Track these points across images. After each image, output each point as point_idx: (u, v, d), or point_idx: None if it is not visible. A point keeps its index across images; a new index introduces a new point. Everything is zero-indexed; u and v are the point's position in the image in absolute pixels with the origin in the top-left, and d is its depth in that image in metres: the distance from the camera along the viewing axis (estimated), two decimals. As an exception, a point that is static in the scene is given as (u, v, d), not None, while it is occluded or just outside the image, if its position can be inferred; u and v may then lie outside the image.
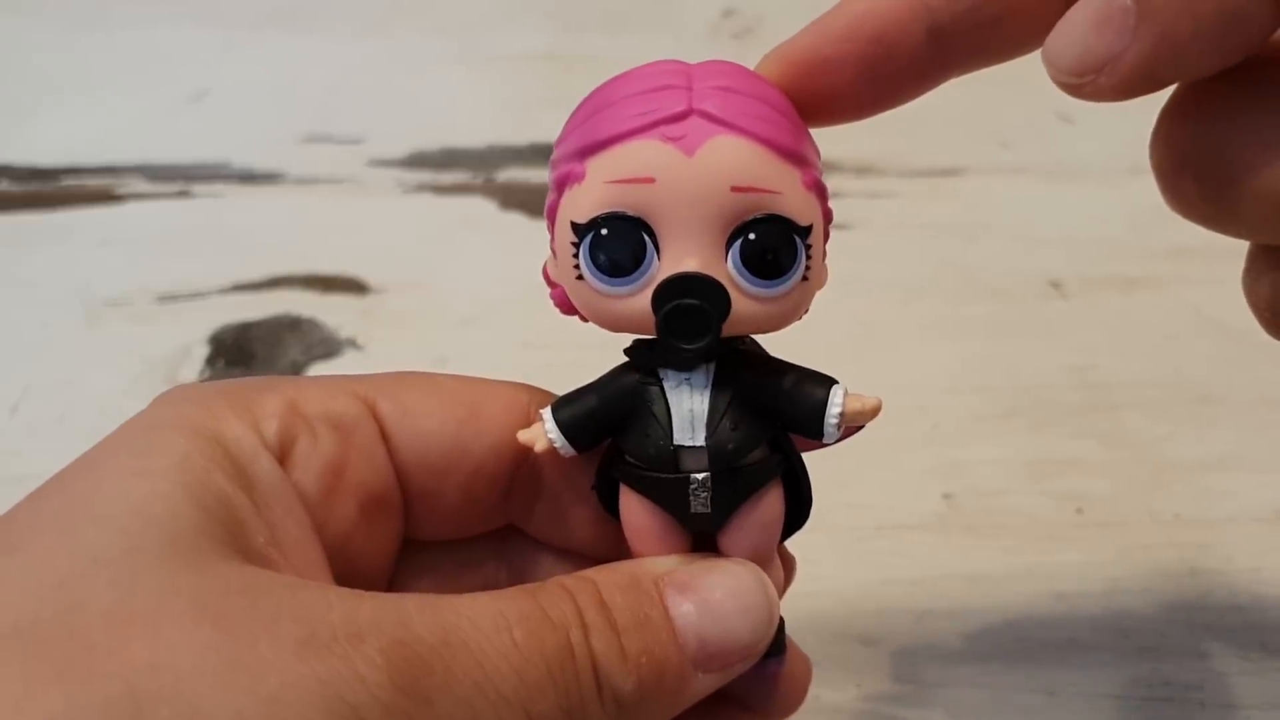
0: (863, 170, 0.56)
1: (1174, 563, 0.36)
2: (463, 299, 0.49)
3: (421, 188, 0.57)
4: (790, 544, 0.26)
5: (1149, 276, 0.50)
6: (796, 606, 0.25)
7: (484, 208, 0.55)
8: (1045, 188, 0.57)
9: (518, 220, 0.54)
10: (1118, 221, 0.54)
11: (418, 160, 0.59)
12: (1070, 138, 0.60)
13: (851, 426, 0.22)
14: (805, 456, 0.23)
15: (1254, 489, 0.39)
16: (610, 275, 0.21)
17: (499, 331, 0.46)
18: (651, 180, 0.20)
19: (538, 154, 0.58)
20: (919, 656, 0.33)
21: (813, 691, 0.27)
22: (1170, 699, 0.32)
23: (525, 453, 0.24)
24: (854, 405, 0.22)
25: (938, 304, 0.49)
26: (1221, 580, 0.35)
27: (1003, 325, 0.47)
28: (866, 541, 0.37)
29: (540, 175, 0.56)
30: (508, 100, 0.64)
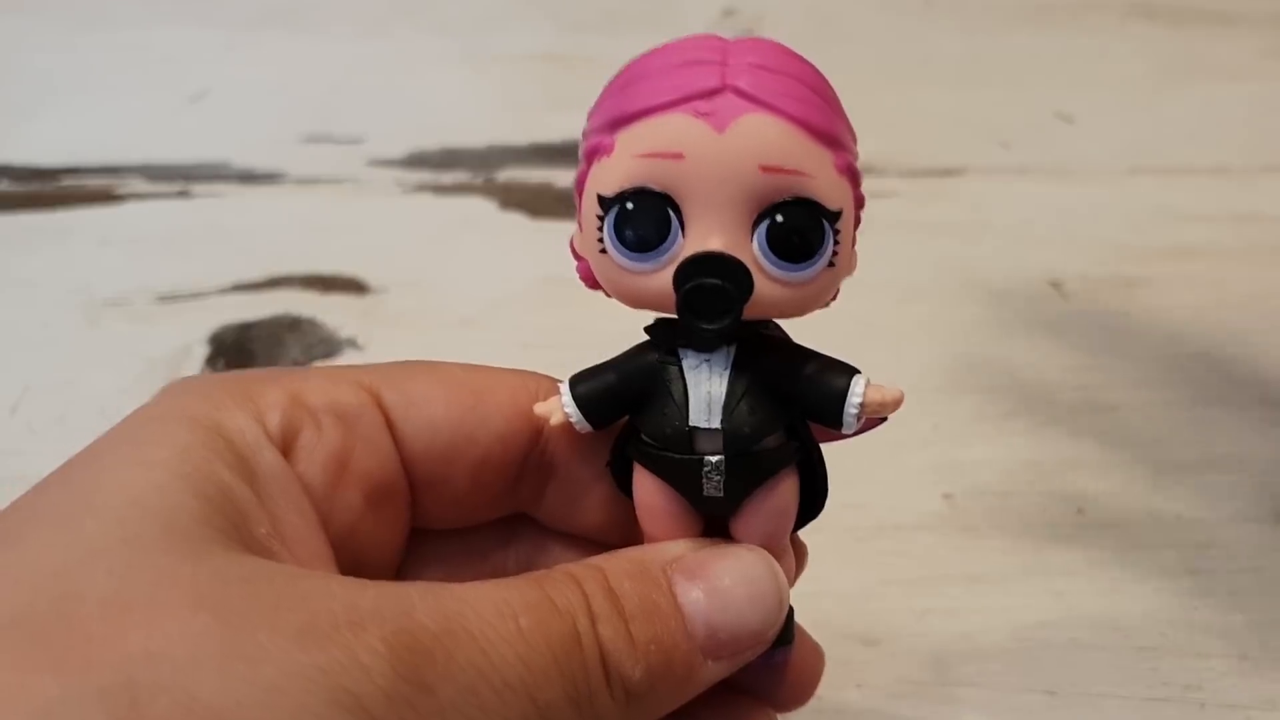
0: (863, 170, 0.56)
1: (1174, 563, 0.36)
2: (463, 299, 0.49)
3: (421, 188, 0.57)
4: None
5: (1149, 276, 0.50)
6: (797, 606, 0.25)
7: (484, 208, 0.55)
8: (1045, 188, 0.57)
9: (518, 220, 0.54)
10: (1118, 221, 0.54)
11: (418, 160, 0.59)
12: (1070, 138, 0.60)
13: (873, 418, 0.22)
14: (824, 449, 0.23)
15: (1254, 489, 0.39)
16: (634, 251, 0.21)
17: (499, 331, 0.46)
18: (680, 156, 0.20)
19: (538, 154, 0.58)
20: (919, 656, 0.33)
21: (813, 691, 0.27)
22: (1170, 699, 0.32)
23: (535, 438, 0.24)
24: (875, 396, 0.21)
25: (938, 304, 0.49)
26: (1221, 580, 0.35)
27: (1003, 325, 0.47)
28: (866, 541, 0.37)
29: (541, 175, 0.56)
30: (508, 100, 0.64)
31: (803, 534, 0.26)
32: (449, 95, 0.66)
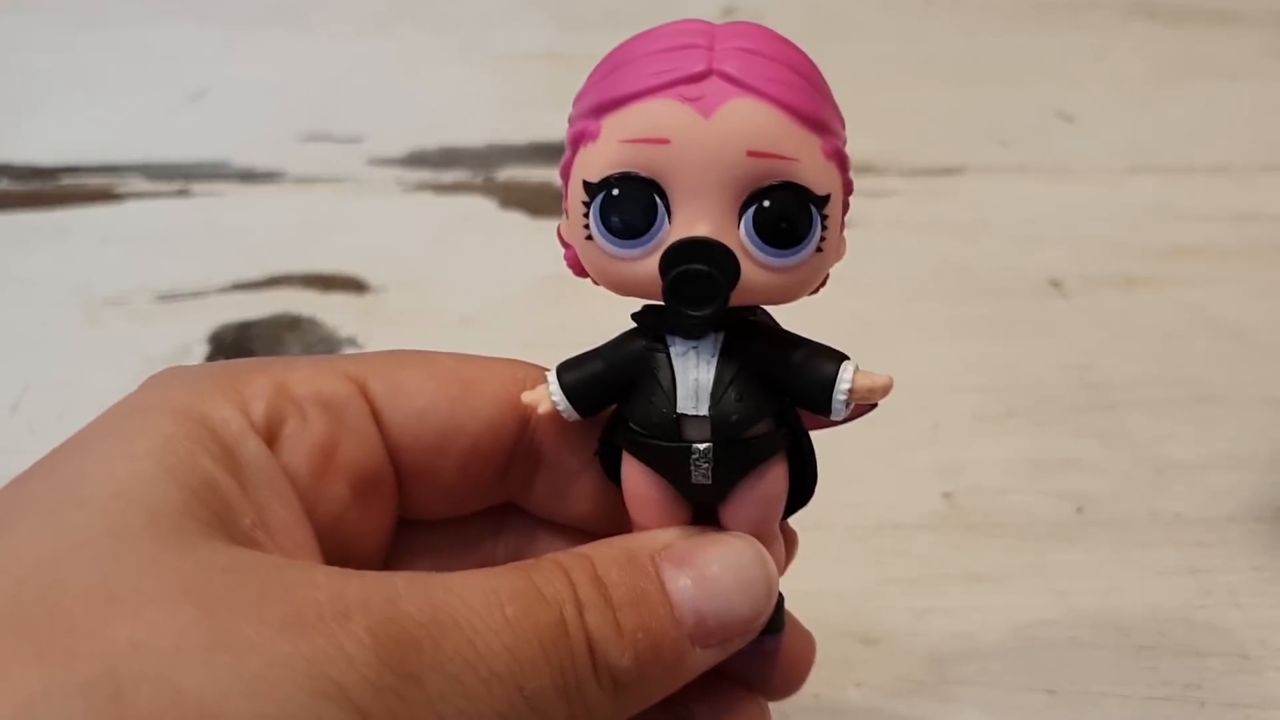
0: (863, 170, 0.56)
1: (1174, 563, 0.36)
2: (463, 298, 0.49)
3: (421, 187, 0.57)
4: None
5: (1149, 276, 0.50)
6: (796, 605, 0.25)
7: (484, 207, 0.55)
8: (1045, 187, 0.57)
9: (518, 220, 0.54)
10: (1118, 221, 0.54)
11: (417, 159, 0.59)
12: (1070, 137, 0.60)
13: (862, 405, 0.22)
14: (824, 444, 0.23)
15: (1254, 489, 0.39)
16: (620, 237, 0.21)
17: (499, 331, 0.46)
18: (666, 141, 0.20)
19: (538, 153, 0.58)
20: (919, 656, 0.33)
21: (813, 691, 0.27)
22: (1170, 698, 0.32)
23: (523, 427, 0.24)
24: (864, 382, 0.21)
25: (938, 304, 0.49)
26: (1221, 580, 0.35)
27: (1003, 325, 0.47)
28: (866, 540, 0.37)
29: (540, 174, 0.56)
30: (508, 99, 0.64)
31: (802, 532, 0.26)
32: (449, 95, 0.66)
